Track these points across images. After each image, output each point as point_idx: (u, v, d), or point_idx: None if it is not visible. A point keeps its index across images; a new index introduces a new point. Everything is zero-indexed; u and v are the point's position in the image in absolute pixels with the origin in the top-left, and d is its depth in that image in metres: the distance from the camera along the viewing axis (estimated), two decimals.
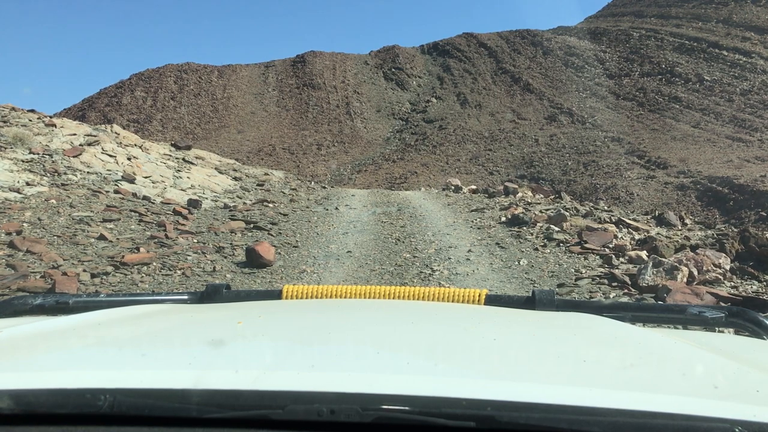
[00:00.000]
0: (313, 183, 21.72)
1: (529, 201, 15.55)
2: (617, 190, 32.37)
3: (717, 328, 1.80)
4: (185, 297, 1.83)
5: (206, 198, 14.13)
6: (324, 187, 20.27)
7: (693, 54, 55.56)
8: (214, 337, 1.18)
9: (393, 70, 67.71)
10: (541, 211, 12.59)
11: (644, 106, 49.36)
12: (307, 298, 1.75)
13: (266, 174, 20.22)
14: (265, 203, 13.97)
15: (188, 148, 21.19)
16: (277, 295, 1.78)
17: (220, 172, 18.11)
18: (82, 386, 0.89)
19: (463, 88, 60.59)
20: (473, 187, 21.92)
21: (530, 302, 1.68)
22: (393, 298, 1.74)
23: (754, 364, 1.16)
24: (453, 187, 21.11)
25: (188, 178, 15.84)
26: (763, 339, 1.50)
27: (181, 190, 14.57)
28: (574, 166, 38.95)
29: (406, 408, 0.83)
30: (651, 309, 2.00)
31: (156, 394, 0.88)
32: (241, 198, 14.93)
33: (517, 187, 18.78)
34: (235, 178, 17.86)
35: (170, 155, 18.26)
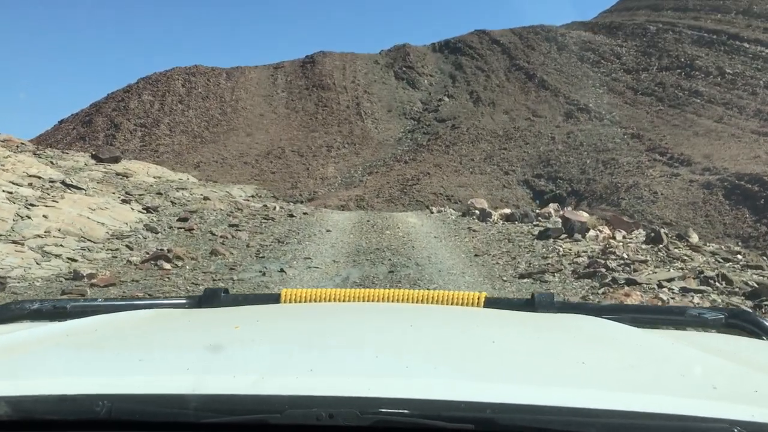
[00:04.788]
0: (280, 208, 16.83)
1: (621, 251, 8.86)
2: (639, 190, 30.96)
3: (716, 330, 1.66)
4: (183, 301, 1.84)
5: (53, 257, 8.91)
6: (291, 216, 14.94)
7: (713, 47, 53.89)
8: (211, 342, 1.16)
9: (404, 68, 66.46)
10: (664, 283, 7.04)
11: (664, 101, 47.82)
12: (305, 302, 1.73)
13: (206, 199, 15.39)
14: (159, 262, 9.01)
15: (115, 160, 17.51)
16: (275, 299, 1.77)
17: (125, 201, 13.12)
18: (80, 392, 0.89)
19: (476, 86, 59.24)
20: (507, 211, 15.52)
21: (530, 304, 1.66)
22: (391, 302, 1.72)
23: (754, 365, 1.15)
24: (477, 212, 15.12)
25: (45, 217, 10.24)
26: (763, 340, 1.48)
27: (14, 242, 9.18)
28: (593, 165, 37.58)
29: (405, 411, 0.84)
30: (650, 311, 2.06)
31: (154, 399, 0.88)
32: (131, 249, 10.00)
33: (585, 220, 11.64)
34: (148, 209, 13.03)
35: (40, 177, 12.80)
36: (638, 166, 35.24)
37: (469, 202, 17.17)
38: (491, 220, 14.26)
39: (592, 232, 11.14)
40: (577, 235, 10.73)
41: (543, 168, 39.07)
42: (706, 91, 47.24)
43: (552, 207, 15.88)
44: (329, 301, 1.73)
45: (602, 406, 0.84)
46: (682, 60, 53.41)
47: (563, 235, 10.95)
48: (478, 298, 1.69)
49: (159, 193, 15.14)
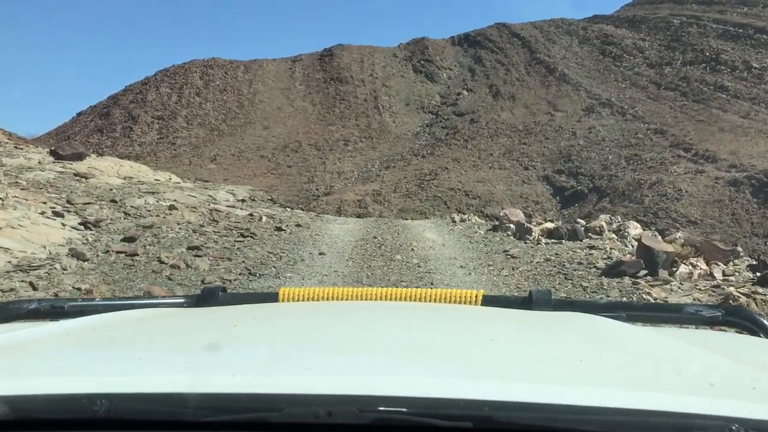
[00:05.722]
0: (268, 218, 13.37)
1: (754, 309, 6.03)
2: (663, 186, 30.21)
3: (713, 327, 1.72)
4: (181, 300, 1.83)
5: None
6: (279, 229, 11.99)
7: (739, 41, 52.73)
8: (210, 341, 1.15)
9: (422, 62, 65.84)
10: None
11: (688, 96, 46.83)
12: (303, 300, 1.74)
13: (172, 209, 12.12)
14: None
15: (79, 157, 14.93)
16: (273, 297, 1.77)
17: (59, 213, 9.95)
18: (78, 391, 0.89)
19: (495, 80, 58.49)
20: (549, 225, 12.28)
21: (527, 302, 1.67)
22: (390, 300, 1.73)
23: (751, 362, 1.15)
24: (512, 226, 12.15)
25: None
26: (760, 337, 1.48)
27: None
28: (615, 161, 36.81)
29: (404, 409, 0.84)
30: (648, 308, 2.08)
31: (152, 398, 0.89)
32: (35, 288, 6.99)
33: (672, 250, 8.40)
34: (87, 225, 9.90)
35: None
36: (662, 163, 34.43)
37: (501, 213, 13.83)
38: (531, 238, 11.27)
39: (683, 268, 8.07)
40: (663, 272, 7.84)
41: (563, 163, 38.32)
42: (731, 86, 46.18)
43: (603, 219, 13.03)
44: (327, 300, 1.74)
45: (600, 404, 0.84)
46: (707, 54, 52.29)
47: (642, 271, 7.97)
48: (476, 296, 1.69)
49: (113, 201, 11.87)
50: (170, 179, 17.25)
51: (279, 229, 12.12)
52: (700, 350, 1.24)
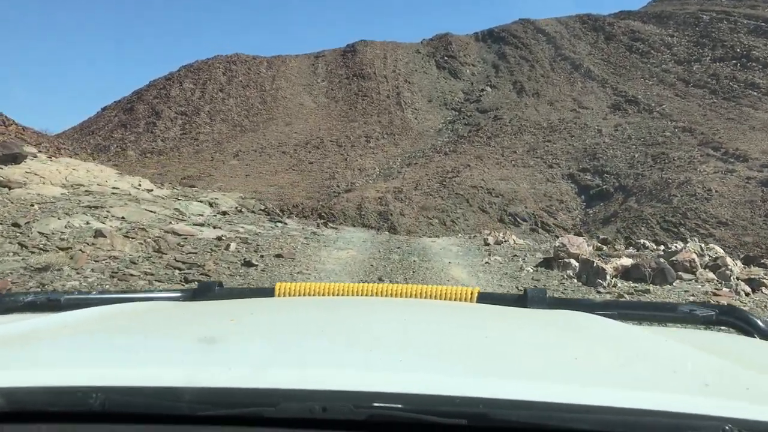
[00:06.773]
0: (240, 243, 10.36)
1: None
2: (692, 186, 29.45)
3: (707, 327, 1.73)
4: (177, 294, 1.83)
5: None
6: (247, 265, 8.79)
7: None
8: (206, 335, 1.17)
9: (445, 58, 65.29)
10: None
11: (717, 94, 45.80)
12: (299, 295, 1.74)
13: (97, 236, 8.73)
14: None
15: (14, 159, 12.07)
16: (269, 292, 1.78)
17: None
18: (74, 384, 0.90)
19: (519, 76, 57.76)
20: (626, 262, 8.66)
21: (522, 300, 1.68)
22: (386, 296, 1.74)
23: (744, 361, 1.16)
24: (575, 263, 9.05)
25: None
26: (753, 337, 1.48)
27: None
28: (641, 159, 36.03)
29: (399, 406, 0.85)
30: (643, 307, 2.05)
31: (148, 391, 0.89)
32: None
33: None
34: None
35: None
36: (690, 162, 33.61)
37: (557, 243, 10.15)
38: (605, 283, 8.09)
39: None
40: None
41: (589, 162, 37.62)
42: (763, 83, 45.09)
43: (692, 249, 9.58)
44: (323, 295, 1.73)
45: (594, 402, 0.84)
46: (738, 50, 51.14)
47: None
48: (472, 293, 1.68)
49: (15, 225, 8.67)
50: (140, 185, 14.53)
51: (248, 263, 8.75)
52: (695, 350, 1.23)
